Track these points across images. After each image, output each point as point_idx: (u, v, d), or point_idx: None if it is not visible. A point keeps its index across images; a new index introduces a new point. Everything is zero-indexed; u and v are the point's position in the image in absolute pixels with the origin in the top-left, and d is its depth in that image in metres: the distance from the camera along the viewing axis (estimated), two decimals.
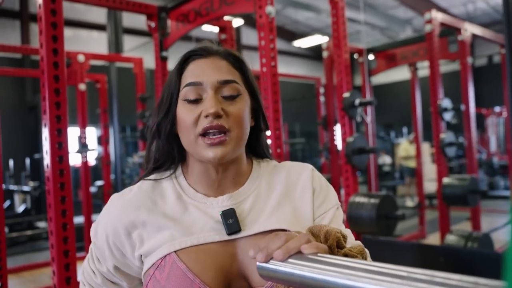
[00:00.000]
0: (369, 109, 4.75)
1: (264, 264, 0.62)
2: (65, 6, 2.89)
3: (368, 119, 4.46)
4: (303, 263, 0.58)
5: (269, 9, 2.36)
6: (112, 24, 8.08)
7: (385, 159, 11.41)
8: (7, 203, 8.20)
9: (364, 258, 0.69)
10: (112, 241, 0.84)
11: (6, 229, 6.79)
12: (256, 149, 0.94)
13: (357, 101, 2.74)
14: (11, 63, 8.98)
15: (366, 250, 0.78)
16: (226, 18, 3.53)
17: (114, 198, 0.88)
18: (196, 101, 0.82)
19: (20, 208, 7.61)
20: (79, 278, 0.86)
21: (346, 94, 2.80)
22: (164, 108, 0.85)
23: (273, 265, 0.61)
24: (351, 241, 0.86)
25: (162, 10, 3.32)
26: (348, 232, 0.88)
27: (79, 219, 5.23)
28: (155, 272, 0.79)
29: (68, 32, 10.58)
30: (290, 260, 0.60)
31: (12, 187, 7.93)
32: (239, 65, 0.88)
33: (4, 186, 7.77)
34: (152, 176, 0.89)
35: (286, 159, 13.46)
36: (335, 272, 0.54)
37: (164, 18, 3.33)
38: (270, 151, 0.98)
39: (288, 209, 0.86)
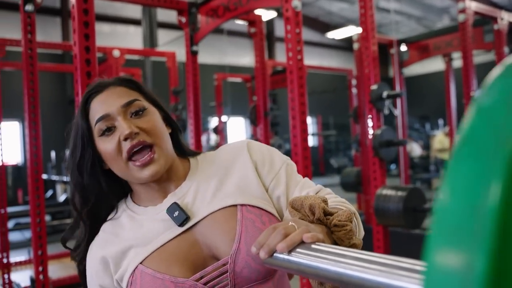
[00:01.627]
0: (399, 101, 4.68)
1: (268, 258, 0.65)
2: (103, 3, 2.98)
3: (397, 111, 4.40)
4: (307, 252, 0.60)
5: (295, 2, 2.37)
6: (147, 19, 8.24)
7: (413, 147, 10.69)
8: (49, 193, 8.55)
9: (351, 221, 0.72)
10: (95, 281, 0.90)
11: (49, 218, 7.10)
12: (184, 150, 0.99)
13: (384, 94, 2.72)
14: (53, 59, 9.30)
15: (352, 210, 0.82)
16: (256, 12, 3.55)
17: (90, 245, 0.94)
18: (110, 130, 0.86)
19: (62, 198, 7.92)
20: None
21: (373, 87, 2.78)
22: (77, 152, 0.89)
23: (276, 259, 0.64)
24: (312, 188, 0.91)
25: (192, 6, 3.37)
26: (307, 182, 0.93)
27: None
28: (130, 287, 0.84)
29: (106, 27, 10.87)
30: (293, 251, 0.62)
31: (54, 177, 8.25)
32: (134, 85, 0.93)
33: (46, 176, 8.11)
34: (109, 217, 0.94)
35: (320, 151, 13.19)
36: (330, 260, 0.56)
37: (195, 13, 3.38)
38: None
39: (230, 185, 0.90)
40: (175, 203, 0.87)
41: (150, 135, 0.86)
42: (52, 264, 4.54)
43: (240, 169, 0.92)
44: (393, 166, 11.56)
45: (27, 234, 6.03)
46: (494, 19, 4.12)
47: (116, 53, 4.66)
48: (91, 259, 0.91)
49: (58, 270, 4.61)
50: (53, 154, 8.90)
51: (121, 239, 0.89)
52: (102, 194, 0.92)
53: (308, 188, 0.91)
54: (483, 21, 4.30)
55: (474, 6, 3.79)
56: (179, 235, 0.85)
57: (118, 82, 0.93)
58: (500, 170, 0.23)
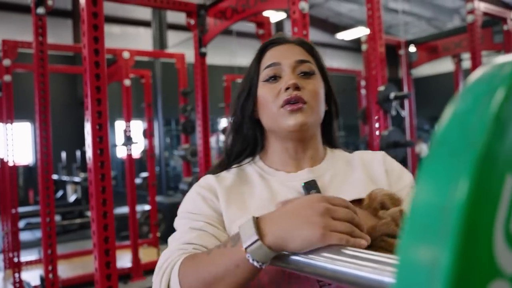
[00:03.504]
0: (408, 102, 4.66)
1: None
2: (114, 4, 3.01)
3: (405, 112, 4.39)
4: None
5: (302, 4, 2.38)
6: (156, 21, 8.30)
7: (422, 147, 10.84)
8: (60, 193, 8.64)
9: (397, 221, 0.69)
10: (209, 199, 0.88)
11: (59, 218, 7.18)
12: (329, 137, 1.00)
13: (391, 95, 2.72)
14: (64, 61, 9.40)
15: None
16: (264, 13, 3.57)
17: (205, 175, 0.94)
18: (275, 79, 0.89)
19: (72, 198, 8.00)
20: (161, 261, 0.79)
21: (381, 88, 2.78)
22: (245, 92, 0.93)
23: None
24: None
25: (201, 8, 3.40)
26: None
27: (124, 209, 5.46)
28: None
29: (116, 29, 10.96)
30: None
31: (65, 178, 8.33)
32: (312, 51, 0.95)
33: (57, 177, 8.21)
34: (233, 166, 0.96)
35: None
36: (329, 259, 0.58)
37: (203, 15, 3.41)
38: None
39: (362, 184, 0.88)
40: (314, 180, 0.86)
41: (308, 95, 0.87)
42: (62, 264, 4.59)
43: (375, 174, 0.92)
44: None
45: (38, 234, 6.11)
46: (503, 20, 4.09)
47: (126, 54, 4.71)
48: (208, 182, 0.91)
49: (68, 269, 4.67)
50: (63, 154, 9.00)
51: (245, 188, 0.89)
52: (247, 140, 0.96)
53: None
54: (493, 21, 4.27)
55: (483, 6, 3.77)
56: None
57: (299, 42, 0.95)
58: (467, 170, 0.24)
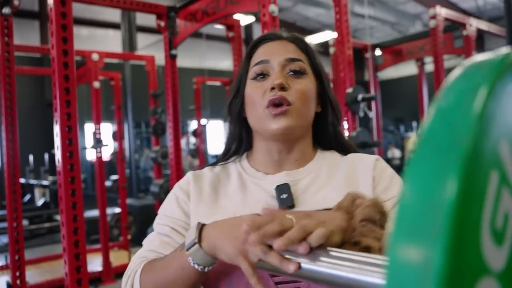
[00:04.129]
0: (374, 104, 4.74)
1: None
2: (82, 6, 2.94)
3: (372, 113, 4.46)
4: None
5: (272, 7, 2.38)
6: (126, 23, 8.16)
7: (395, 153, 11.34)
8: (27, 197, 8.37)
9: (378, 207, 0.64)
10: (182, 200, 0.88)
11: (26, 222, 6.95)
12: (320, 139, 0.94)
13: (359, 97, 2.75)
14: (31, 62, 9.12)
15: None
16: (235, 16, 3.56)
17: (187, 173, 0.93)
18: (263, 77, 0.85)
19: (40, 202, 7.76)
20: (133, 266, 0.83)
21: (349, 90, 2.81)
22: (234, 89, 0.90)
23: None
24: None
25: (171, 10, 3.36)
26: None
27: (94, 213, 5.33)
28: None
29: (84, 31, 10.72)
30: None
31: (32, 181, 8.08)
32: (306, 48, 0.90)
33: (24, 181, 7.94)
34: (220, 163, 0.95)
35: None
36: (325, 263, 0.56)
37: (173, 18, 3.37)
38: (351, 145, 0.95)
39: (347, 188, 0.81)
40: (287, 184, 0.82)
41: (295, 95, 0.82)
42: (30, 269, 4.44)
43: (357, 178, 0.85)
44: None
45: (4, 239, 5.89)
46: (463, 25, 4.22)
47: (95, 56, 4.60)
48: (186, 182, 0.90)
49: (36, 275, 4.52)
50: (31, 157, 8.73)
51: (222, 188, 0.88)
52: (234, 138, 0.94)
53: None
54: (453, 27, 4.40)
55: (444, 12, 3.87)
56: None
57: (292, 39, 0.90)
58: (455, 167, 0.24)
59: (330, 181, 0.85)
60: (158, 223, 0.88)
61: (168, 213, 0.88)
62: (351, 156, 0.91)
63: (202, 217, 0.82)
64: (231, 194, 0.86)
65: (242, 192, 0.86)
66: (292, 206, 0.80)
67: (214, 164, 0.95)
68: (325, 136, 0.93)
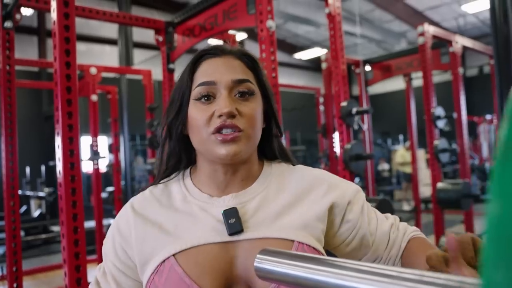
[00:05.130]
0: (366, 117, 4.74)
1: (261, 265, 0.61)
2: (80, 22, 2.91)
3: (365, 127, 4.45)
4: (296, 263, 0.57)
5: (270, 23, 2.37)
6: (123, 38, 8.13)
7: (384, 166, 11.48)
8: (23, 208, 8.22)
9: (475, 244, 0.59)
10: (118, 242, 0.80)
11: (22, 233, 6.80)
12: (267, 152, 0.88)
13: (354, 110, 2.74)
14: (29, 76, 9.04)
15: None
16: (230, 32, 3.54)
17: (128, 202, 0.84)
18: (209, 99, 0.77)
19: (36, 213, 7.63)
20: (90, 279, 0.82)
21: (343, 103, 2.80)
22: (175, 108, 0.80)
23: (270, 265, 0.60)
24: (389, 221, 0.88)
25: (169, 25, 3.33)
26: (383, 218, 0.88)
27: (90, 224, 5.23)
28: (155, 277, 0.73)
29: (82, 46, 10.67)
30: (285, 260, 0.59)
31: (29, 192, 7.96)
32: (253, 65, 0.82)
33: (21, 192, 7.80)
34: (162, 181, 0.86)
35: None
36: (327, 272, 0.53)
37: (171, 33, 3.34)
38: (291, 155, 0.91)
39: (296, 216, 0.78)
40: (235, 208, 0.76)
41: (244, 121, 0.75)
42: (26, 280, 4.32)
43: (313, 202, 0.81)
44: (357, 179, 11.73)
45: (1, 250, 5.75)
46: (449, 42, 4.25)
47: (93, 70, 4.56)
48: (126, 217, 0.81)
49: (32, 286, 4.41)
50: (27, 169, 8.60)
51: (165, 212, 0.80)
52: (174, 156, 0.85)
53: (386, 222, 0.87)
54: (440, 44, 4.44)
55: (432, 30, 3.90)
56: (223, 242, 0.74)
57: (239, 54, 0.82)
58: None
59: (279, 200, 0.80)
60: (99, 270, 0.83)
61: (110, 257, 0.81)
62: (299, 171, 0.87)
63: (148, 254, 0.76)
64: (177, 222, 0.78)
65: (189, 217, 0.78)
66: (241, 231, 0.75)
67: (155, 183, 0.87)
68: (270, 149, 0.88)
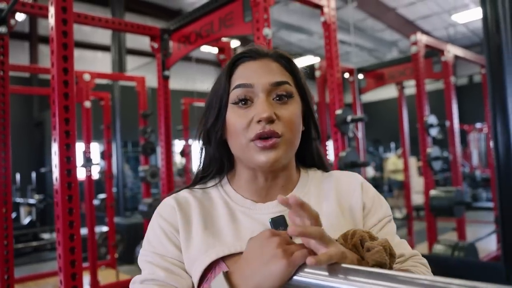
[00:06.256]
0: (359, 125, 4.77)
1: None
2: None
3: (359, 134, 4.48)
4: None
5: (266, 31, 2.38)
6: (116, 45, 8.12)
7: (367, 170, 11.41)
8: (13, 215, 8.12)
9: (387, 250, 0.62)
10: (168, 230, 0.77)
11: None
12: (305, 158, 0.87)
13: (349, 118, 2.75)
14: (20, 82, 8.97)
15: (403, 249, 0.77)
16: (224, 39, 3.55)
17: (169, 197, 0.82)
18: (246, 103, 0.75)
19: (26, 220, 7.53)
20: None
21: (338, 111, 2.81)
22: (214, 113, 0.78)
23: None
24: (407, 250, 0.80)
25: (164, 32, 3.34)
26: (403, 244, 0.82)
27: (83, 231, 5.17)
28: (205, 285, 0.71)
29: (74, 52, 10.62)
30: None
31: (18, 199, 7.86)
32: (290, 67, 0.80)
33: None
34: (198, 186, 0.85)
35: None
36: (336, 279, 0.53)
37: (167, 40, 3.34)
38: (327, 161, 0.91)
39: (339, 220, 0.77)
40: (283, 216, 0.71)
41: (283, 125, 0.73)
42: None
43: (349, 207, 0.81)
44: None
45: None
46: (441, 52, 4.31)
47: (87, 77, 4.55)
48: (168, 213, 0.78)
49: None
50: (18, 176, 8.50)
51: (207, 212, 0.78)
52: (213, 161, 0.83)
53: (404, 250, 0.79)
54: (432, 53, 4.49)
55: (424, 39, 3.95)
56: None
57: (276, 57, 0.80)
58: None
59: (320, 207, 0.79)
60: (149, 262, 0.75)
61: (160, 250, 0.76)
62: (335, 175, 0.86)
63: (194, 254, 0.74)
64: (221, 226, 0.77)
65: (233, 223, 0.77)
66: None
67: (191, 187, 0.85)
68: (308, 153, 0.87)
